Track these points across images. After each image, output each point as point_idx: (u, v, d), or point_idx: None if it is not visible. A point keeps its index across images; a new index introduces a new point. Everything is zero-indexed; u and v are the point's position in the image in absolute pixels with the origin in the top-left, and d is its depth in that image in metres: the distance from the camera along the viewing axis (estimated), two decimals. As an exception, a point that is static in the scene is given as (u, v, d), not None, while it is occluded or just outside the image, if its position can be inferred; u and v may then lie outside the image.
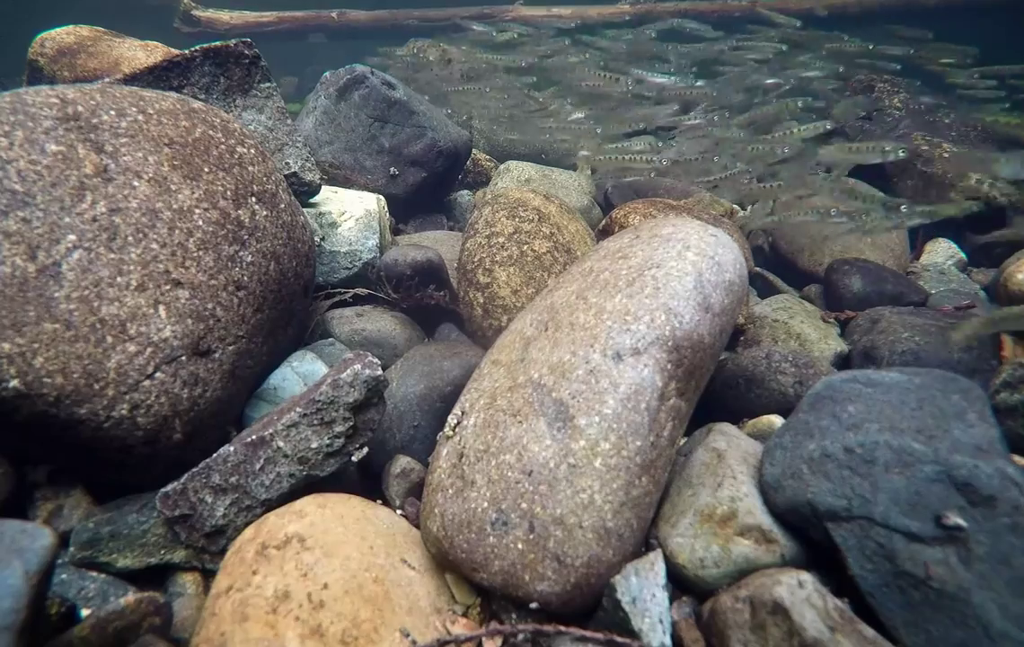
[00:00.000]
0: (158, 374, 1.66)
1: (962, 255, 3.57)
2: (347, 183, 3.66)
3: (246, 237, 1.95)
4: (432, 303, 2.68)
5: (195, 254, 1.81)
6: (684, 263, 1.63)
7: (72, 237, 1.64)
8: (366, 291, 2.72)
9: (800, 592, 1.24)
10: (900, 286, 2.94)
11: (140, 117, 1.89)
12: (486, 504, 1.44)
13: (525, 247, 2.50)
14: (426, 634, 1.35)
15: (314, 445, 1.66)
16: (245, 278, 1.92)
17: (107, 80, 2.54)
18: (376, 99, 3.79)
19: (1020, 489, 1.27)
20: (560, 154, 5.01)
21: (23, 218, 1.60)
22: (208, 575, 1.67)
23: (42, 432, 1.58)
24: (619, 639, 1.29)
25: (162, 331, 1.68)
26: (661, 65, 4.32)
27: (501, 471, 1.45)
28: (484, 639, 1.38)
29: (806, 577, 1.28)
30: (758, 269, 3.39)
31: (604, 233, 3.07)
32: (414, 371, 2.11)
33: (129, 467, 1.69)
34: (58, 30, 3.80)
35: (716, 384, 2.10)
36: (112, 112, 1.84)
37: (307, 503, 1.54)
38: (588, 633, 1.32)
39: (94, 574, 1.61)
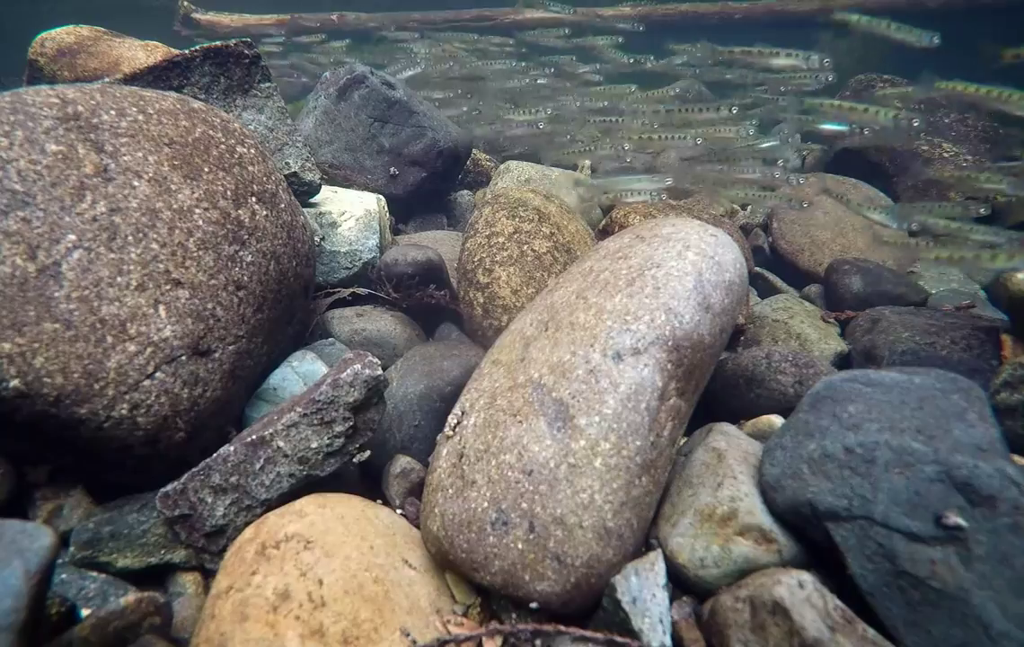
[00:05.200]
0: (158, 374, 1.66)
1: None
2: (347, 183, 3.67)
3: (246, 237, 1.95)
4: (432, 302, 2.68)
5: (195, 254, 1.81)
6: (684, 263, 1.63)
7: (72, 237, 1.64)
8: (366, 290, 2.73)
9: (800, 592, 1.24)
10: (900, 286, 2.94)
11: (140, 117, 1.89)
12: (486, 504, 1.43)
13: (525, 247, 2.50)
14: (426, 634, 1.35)
15: (314, 445, 1.66)
16: (245, 278, 1.92)
17: (107, 80, 2.54)
18: (376, 99, 3.80)
19: (1020, 489, 1.27)
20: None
21: (23, 218, 1.60)
22: (208, 575, 1.67)
23: (42, 432, 1.58)
24: (619, 639, 1.29)
25: (162, 331, 1.68)
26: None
27: (501, 471, 1.45)
28: (484, 639, 1.38)
29: (806, 577, 1.28)
30: (758, 269, 3.39)
31: (604, 233, 3.07)
32: (414, 371, 2.11)
33: (129, 467, 1.69)
34: (58, 30, 3.80)
35: (716, 384, 2.10)
36: (112, 112, 1.84)
37: (307, 503, 1.54)
38: (588, 633, 1.32)
39: (94, 574, 1.61)
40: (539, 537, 1.37)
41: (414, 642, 1.31)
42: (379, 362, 1.75)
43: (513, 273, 2.45)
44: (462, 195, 4.38)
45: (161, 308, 1.70)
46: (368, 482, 1.94)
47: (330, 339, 2.42)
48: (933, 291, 3.08)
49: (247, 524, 1.55)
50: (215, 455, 1.63)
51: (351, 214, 2.95)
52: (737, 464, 1.56)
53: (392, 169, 3.78)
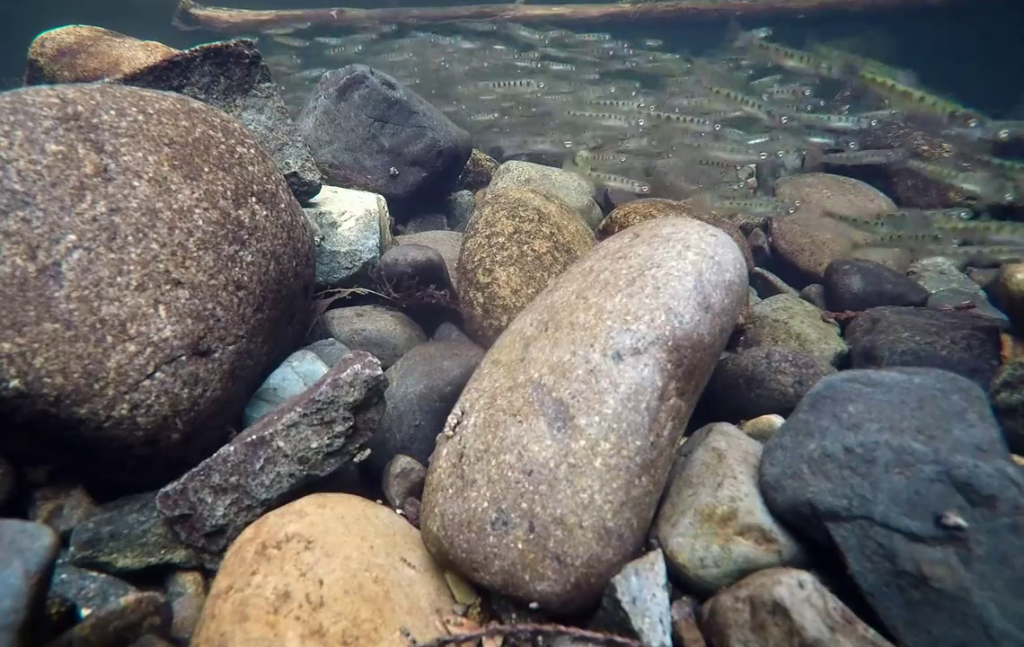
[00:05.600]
0: (158, 374, 1.66)
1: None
2: (347, 183, 3.67)
3: (246, 237, 1.95)
4: (432, 302, 2.68)
5: (195, 254, 1.81)
6: (684, 263, 1.63)
7: (72, 237, 1.64)
8: (366, 290, 2.73)
9: (800, 592, 1.24)
10: (900, 286, 2.94)
11: (140, 117, 1.89)
12: (486, 504, 1.44)
13: (525, 247, 2.50)
14: (426, 634, 1.35)
15: (314, 445, 1.66)
16: (245, 278, 1.92)
17: (107, 80, 2.54)
18: (376, 99, 3.79)
19: (1020, 489, 1.27)
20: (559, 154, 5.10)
21: (23, 218, 1.60)
22: (208, 575, 1.67)
23: (42, 432, 1.58)
24: (619, 639, 1.29)
25: (162, 331, 1.68)
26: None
27: (501, 471, 1.45)
28: (484, 639, 1.38)
29: (806, 577, 1.28)
30: (758, 269, 3.39)
31: (604, 233, 3.07)
32: (414, 371, 2.11)
33: (129, 467, 1.69)
34: (58, 30, 3.80)
35: (716, 384, 2.10)
36: (112, 112, 1.84)
37: (307, 503, 1.54)
38: (588, 633, 1.32)
39: (94, 574, 1.61)
40: (539, 537, 1.37)
41: (414, 642, 1.31)
42: (379, 362, 1.75)
43: (513, 273, 2.45)
44: (462, 195, 4.38)
45: (161, 308, 1.70)
46: (368, 482, 1.94)
47: (330, 339, 2.42)
48: (933, 291, 3.08)
49: (247, 524, 1.55)
50: (215, 455, 1.63)
51: (351, 214, 2.95)
52: (737, 464, 1.56)
53: (392, 169, 3.78)
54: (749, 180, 4.88)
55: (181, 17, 8.57)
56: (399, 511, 1.79)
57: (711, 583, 1.43)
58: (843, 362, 2.44)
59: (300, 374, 2.15)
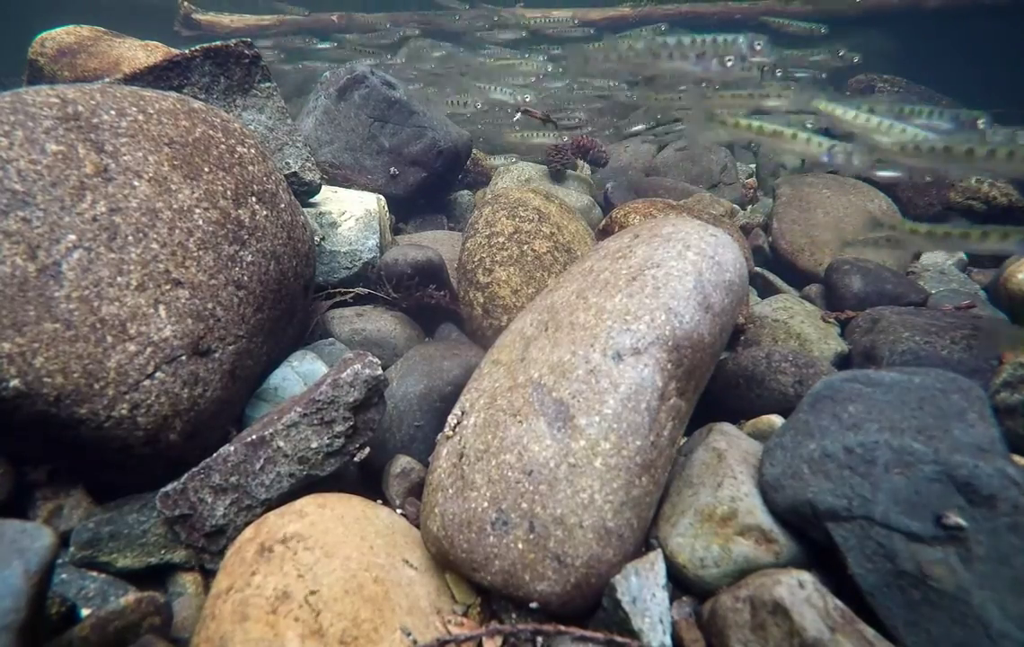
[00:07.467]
0: (158, 374, 1.66)
1: (962, 254, 3.56)
2: (347, 183, 3.67)
3: (246, 237, 1.95)
4: (432, 302, 2.68)
5: (195, 254, 1.81)
6: (684, 263, 1.63)
7: (72, 237, 1.64)
8: (367, 291, 2.73)
9: (800, 592, 1.24)
10: (900, 286, 2.94)
11: (140, 117, 1.89)
12: (486, 504, 1.43)
13: (525, 247, 2.50)
14: (426, 634, 1.35)
15: (314, 445, 1.66)
16: (245, 278, 1.92)
17: (107, 80, 2.54)
18: (376, 99, 3.80)
19: (1020, 489, 1.27)
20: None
21: (23, 218, 1.60)
22: (208, 575, 1.67)
23: (42, 432, 1.58)
24: (619, 639, 1.29)
25: (162, 331, 1.68)
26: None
27: (501, 471, 1.45)
28: (484, 639, 1.38)
29: (806, 577, 1.28)
30: (758, 269, 3.39)
31: (604, 233, 3.07)
32: (414, 371, 2.11)
33: (129, 467, 1.69)
34: (58, 30, 3.81)
35: (716, 384, 2.10)
36: (112, 112, 1.84)
37: (307, 503, 1.54)
38: (588, 633, 1.32)
39: (94, 574, 1.61)
40: (539, 537, 1.37)
41: (414, 642, 1.31)
42: (379, 362, 1.75)
43: (513, 273, 2.45)
44: (462, 195, 4.38)
45: (161, 308, 1.70)
46: (368, 482, 1.94)
47: (330, 339, 2.42)
48: (933, 291, 3.08)
49: (247, 524, 1.55)
50: (215, 455, 1.63)
51: (351, 214, 2.95)
52: (737, 464, 1.56)
53: (392, 169, 3.78)
54: (749, 180, 4.89)
55: (183, 22, 8.57)
56: (399, 511, 1.79)
57: (711, 583, 1.43)
58: (843, 362, 2.44)
59: (300, 374, 2.15)
